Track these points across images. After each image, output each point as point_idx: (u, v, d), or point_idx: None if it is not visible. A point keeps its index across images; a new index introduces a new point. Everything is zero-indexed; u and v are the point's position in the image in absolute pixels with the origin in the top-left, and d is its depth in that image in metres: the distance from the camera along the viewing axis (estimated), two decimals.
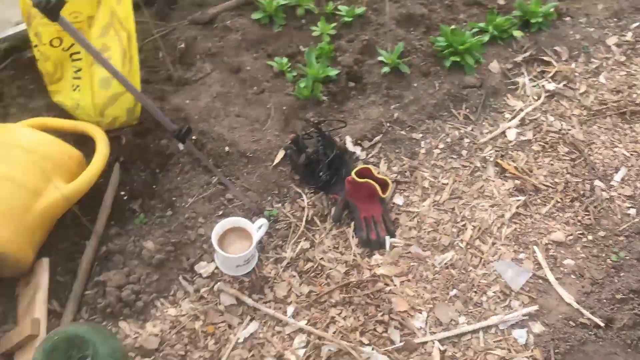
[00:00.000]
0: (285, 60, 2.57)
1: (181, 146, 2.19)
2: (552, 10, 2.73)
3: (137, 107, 2.22)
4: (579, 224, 2.15)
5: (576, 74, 2.60)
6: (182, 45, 2.63)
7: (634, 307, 1.90)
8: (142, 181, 2.13)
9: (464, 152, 2.35)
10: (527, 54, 2.65)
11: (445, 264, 2.04)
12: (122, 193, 2.09)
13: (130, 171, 2.15)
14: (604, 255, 2.05)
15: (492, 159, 2.33)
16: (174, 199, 2.12)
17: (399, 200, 2.20)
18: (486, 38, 2.63)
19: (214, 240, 1.88)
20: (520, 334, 1.89)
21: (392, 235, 2.09)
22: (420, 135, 2.39)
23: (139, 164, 2.17)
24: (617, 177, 2.27)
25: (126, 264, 1.91)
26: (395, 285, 1.97)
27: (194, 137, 2.27)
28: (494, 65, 2.60)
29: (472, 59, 2.53)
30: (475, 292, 1.98)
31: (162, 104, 2.36)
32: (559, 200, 2.21)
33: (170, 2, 2.88)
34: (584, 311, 1.92)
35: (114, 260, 1.92)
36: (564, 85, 2.56)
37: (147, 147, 2.21)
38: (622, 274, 1.99)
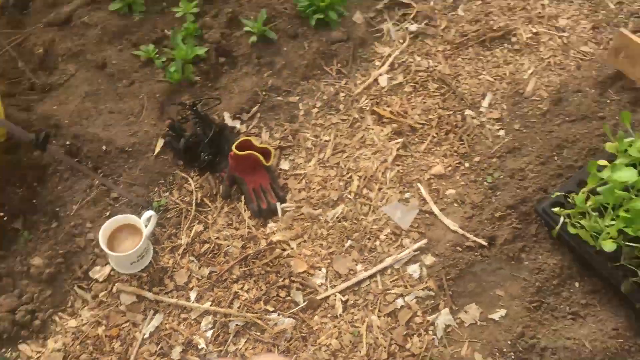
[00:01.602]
0: (151, 47, 2.52)
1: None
2: None
3: None
4: (455, 154, 2.25)
5: (436, 11, 2.69)
6: (40, 50, 2.53)
7: (512, 222, 2.03)
8: (19, 198, 2.07)
9: (341, 107, 2.40)
10: (387, 0, 2.70)
11: (337, 217, 2.11)
12: (1, 214, 2.03)
13: (5, 190, 2.08)
14: (480, 179, 2.17)
15: (368, 108, 2.39)
16: (57, 209, 2.08)
17: (285, 165, 2.24)
18: None
19: (102, 242, 1.87)
20: (413, 269, 1.99)
21: (283, 201, 2.14)
22: (297, 97, 2.42)
23: (13, 181, 2.11)
24: (485, 102, 2.38)
25: (16, 285, 1.88)
26: (292, 249, 2.02)
27: (67, 143, 2.22)
28: (358, 17, 2.64)
29: (336, 14, 2.56)
30: (369, 238, 2.06)
31: (28, 114, 2.29)
32: (435, 135, 2.31)
33: (21, 7, 2.75)
34: (469, 235, 2.03)
35: (2, 284, 1.87)
36: (426, 24, 2.64)
37: (20, 161, 2.15)
38: (498, 193, 2.12)
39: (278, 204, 2.12)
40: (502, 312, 1.89)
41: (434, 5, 2.70)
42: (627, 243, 1.79)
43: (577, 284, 1.91)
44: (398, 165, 2.24)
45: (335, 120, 2.36)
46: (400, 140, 2.29)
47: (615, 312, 1.83)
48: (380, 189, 2.18)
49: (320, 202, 2.13)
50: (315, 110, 2.39)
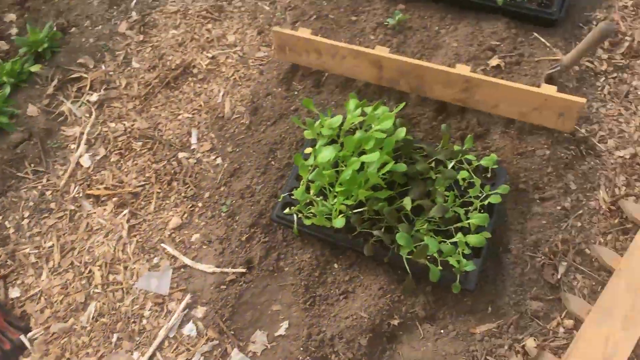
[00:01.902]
0: None
1: None
2: (53, 30, 2.68)
3: None
4: (185, 199, 2.22)
5: (110, 73, 2.62)
6: None
7: (259, 239, 2.07)
8: None
9: (52, 205, 2.23)
10: (56, 81, 2.57)
11: (93, 317, 1.96)
12: None
13: None
14: (217, 212, 2.17)
15: (81, 194, 2.26)
16: None
17: (14, 292, 2.02)
18: (7, 90, 2.47)
19: None
20: (189, 329, 1.93)
21: (26, 331, 1.92)
22: (0, 217, 2.19)
23: None
24: (193, 139, 2.39)
25: None
26: None
27: None
28: (32, 109, 2.48)
29: (6, 117, 2.37)
30: (134, 322, 1.95)
31: None
32: (159, 190, 2.25)
33: None
34: (227, 270, 2.02)
35: None
36: (105, 89, 2.56)
37: None
38: (237, 218, 2.14)
39: (22, 336, 1.90)
40: (285, 324, 1.91)
41: (106, 68, 2.64)
42: (354, 211, 1.91)
43: (336, 265, 2.00)
44: (134, 236, 2.15)
45: (51, 221, 2.19)
46: (126, 211, 2.20)
47: (375, 274, 1.95)
48: (126, 268, 2.07)
49: (68, 312, 1.96)
50: (26, 221, 2.19)
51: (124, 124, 2.45)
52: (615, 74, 2.41)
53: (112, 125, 2.45)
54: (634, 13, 2.55)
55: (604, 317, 1.81)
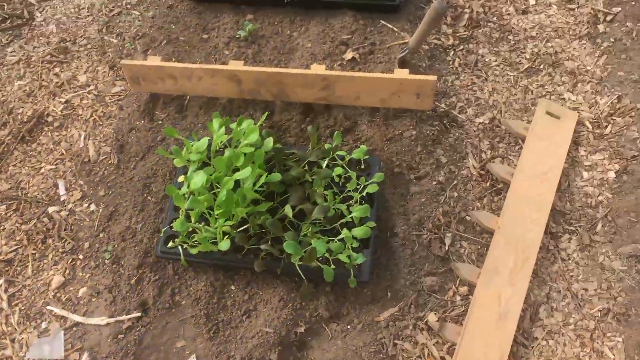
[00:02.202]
0: None
1: None
2: None
3: None
4: (65, 254, 2.13)
5: None
6: None
7: (149, 278, 2.00)
8: None
9: None
10: None
11: None
12: None
13: None
14: (101, 260, 2.08)
15: None
16: None
17: None
18: None
19: None
20: None
21: None
22: None
23: None
24: (61, 191, 2.27)
25: None
26: None
27: None
28: None
29: None
30: None
31: None
32: (34, 251, 2.12)
33: None
34: (121, 317, 1.94)
35: None
36: None
37: None
38: (122, 262, 2.05)
39: None
40: (193, 358, 1.87)
41: None
42: (238, 230, 1.89)
43: (232, 287, 1.97)
44: (16, 305, 2.02)
45: None
46: (1, 281, 2.06)
47: (273, 287, 1.94)
48: (13, 340, 1.94)
49: None
50: None
51: None
52: (462, 46, 2.54)
53: None
54: None
55: (493, 277, 1.90)
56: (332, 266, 1.83)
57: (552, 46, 2.50)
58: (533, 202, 2.02)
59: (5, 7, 2.81)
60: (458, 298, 1.94)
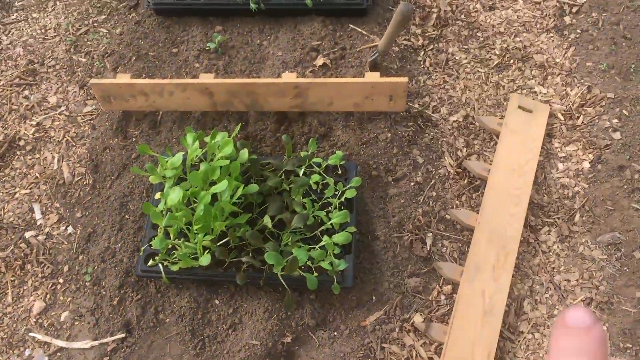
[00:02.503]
0: None
1: None
2: None
3: None
4: (44, 279, 2.09)
5: None
6: None
7: (132, 298, 1.98)
8: None
9: None
10: None
11: None
12: None
13: None
14: (81, 283, 2.06)
15: None
16: None
17: None
18: None
19: None
20: None
21: None
22: None
23: None
24: (37, 215, 2.24)
25: None
26: None
27: None
28: None
29: None
30: None
31: None
32: (13, 277, 2.09)
33: None
34: (106, 339, 1.92)
35: None
36: None
37: None
38: (103, 282, 2.03)
39: None
40: None
41: None
42: (218, 244, 1.88)
43: (216, 301, 1.96)
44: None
45: None
46: None
47: (257, 298, 1.93)
48: None
49: None
50: None
51: None
52: (432, 46, 2.55)
53: None
54: None
55: (475, 274, 1.91)
56: (315, 274, 1.83)
57: (520, 41, 2.52)
58: (511, 197, 2.04)
59: None
60: (442, 297, 1.94)
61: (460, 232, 2.07)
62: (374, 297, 1.94)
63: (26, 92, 2.57)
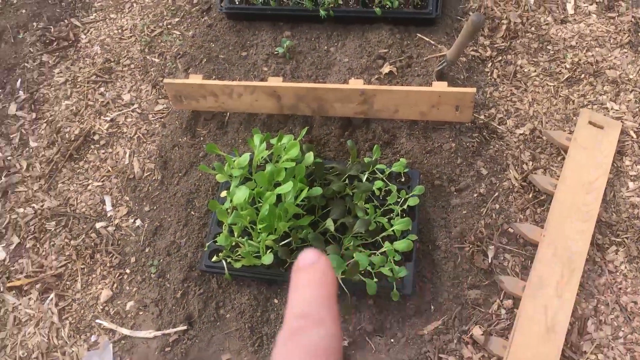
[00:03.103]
0: None
1: None
2: None
3: None
4: (113, 269, 2.17)
5: (8, 158, 2.53)
6: None
7: (194, 292, 2.04)
8: None
9: None
10: None
11: None
12: None
13: None
14: (147, 274, 2.12)
15: (2, 288, 2.15)
16: None
17: None
18: None
19: None
20: None
21: None
22: None
23: None
24: (108, 207, 2.33)
25: None
26: None
27: None
28: None
29: None
30: None
31: None
32: (83, 265, 2.18)
33: None
34: (168, 330, 1.98)
35: None
36: (6, 175, 2.47)
37: None
38: (168, 276, 2.10)
39: None
40: None
41: (3, 154, 2.55)
42: (280, 244, 1.91)
43: (276, 301, 1.99)
44: (66, 319, 2.08)
45: None
46: (52, 295, 2.12)
47: None
48: (64, 353, 1.99)
49: None
50: None
51: (33, 207, 2.36)
52: (500, 57, 2.53)
53: (21, 210, 2.36)
54: None
55: (538, 290, 1.88)
56: (375, 279, 1.84)
57: (592, 55, 2.47)
58: (578, 213, 1.99)
59: (52, 30, 2.91)
60: (503, 311, 1.92)
61: (523, 246, 2.04)
62: (432, 307, 1.93)
63: (102, 89, 2.68)
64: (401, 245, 1.87)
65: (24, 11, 3.00)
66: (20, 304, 2.12)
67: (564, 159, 2.18)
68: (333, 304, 0.55)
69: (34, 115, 2.64)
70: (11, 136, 2.58)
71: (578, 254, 1.92)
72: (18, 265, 2.21)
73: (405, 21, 2.57)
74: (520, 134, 2.29)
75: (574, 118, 2.29)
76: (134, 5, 2.96)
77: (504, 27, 2.61)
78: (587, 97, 2.35)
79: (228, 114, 2.43)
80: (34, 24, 2.94)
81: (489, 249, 2.03)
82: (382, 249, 1.88)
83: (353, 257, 1.83)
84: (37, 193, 2.40)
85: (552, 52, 2.51)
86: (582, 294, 1.92)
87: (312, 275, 0.56)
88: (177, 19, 2.86)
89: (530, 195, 2.14)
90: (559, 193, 2.05)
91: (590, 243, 1.95)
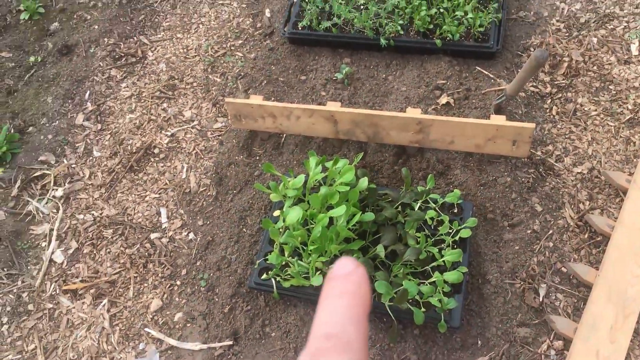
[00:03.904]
0: None
1: None
2: (10, 132, 2.70)
3: None
4: (164, 280, 2.22)
5: (73, 165, 2.64)
6: None
7: (242, 308, 2.06)
8: None
9: (30, 307, 2.21)
10: (19, 182, 2.58)
11: None
12: None
13: None
14: (196, 287, 2.16)
15: (58, 291, 2.23)
16: None
17: None
18: None
19: None
20: None
21: None
22: None
23: None
24: (163, 218, 2.39)
25: None
26: None
27: None
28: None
29: None
30: None
31: None
32: (136, 274, 2.24)
33: None
34: (214, 345, 2.01)
35: None
36: (70, 182, 2.57)
37: None
38: (217, 290, 2.13)
39: None
40: None
41: (68, 162, 2.65)
42: (330, 267, 1.93)
43: None
44: (117, 325, 2.13)
45: (31, 323, 2.16)
46: (105, 301, 2.19)
47: None
48: (112, 359, 2.04)
49: None
50: (5, 327, 2.16)
51: (93, 214, 2.45)
52: (560, 94, 2.51)
53: (81, 217, 2.45)
54: (567, 34, 2.67)
55: (591, 333, 1.83)
56: (423, 309, 1.83)
57: None
58: (636, 257, 1.94)
59: (122, 46, 3.04)
60: (552, 352, 1.88)
61: (577, 287, 2.00)
62: (479, 342, 1.91)
63: (164, 105, 2.78)
64: (451, 276, 1.86)
65: (96, 27, 3.15)
66: (74, 307, 2.19)
67: (622, 200, 2.13)
68: (363, 322, 0.51)
69: (99, 126, 2.75)
70: (77, 145, 2.69)
71: (634, 299, 1.87)
72: (75, 269, 2.29)
73: (465, 53, 2.58)
74: (578, 173, 2.26)
75: (635, 160, 2.25)
76: (200, 26, 3.07)
77: (565, 64, 2.59)
78: None
79: (284, 135, 2.48)
80: (105, 39, 3.08)
81: (540, 287, 1.99)
82: (432, 279, 1.87)
83: (402, 285, 1.83)
84: (97, 201, 2.48)
85: (614, 92, 2.47)
86: (635, 340, 1.86)
87: (345, 285, 0.53)
88: (240, 42, 2.95)
89: (586, 236, 2.10)
90: (617, 235, 2.01)
91: None
